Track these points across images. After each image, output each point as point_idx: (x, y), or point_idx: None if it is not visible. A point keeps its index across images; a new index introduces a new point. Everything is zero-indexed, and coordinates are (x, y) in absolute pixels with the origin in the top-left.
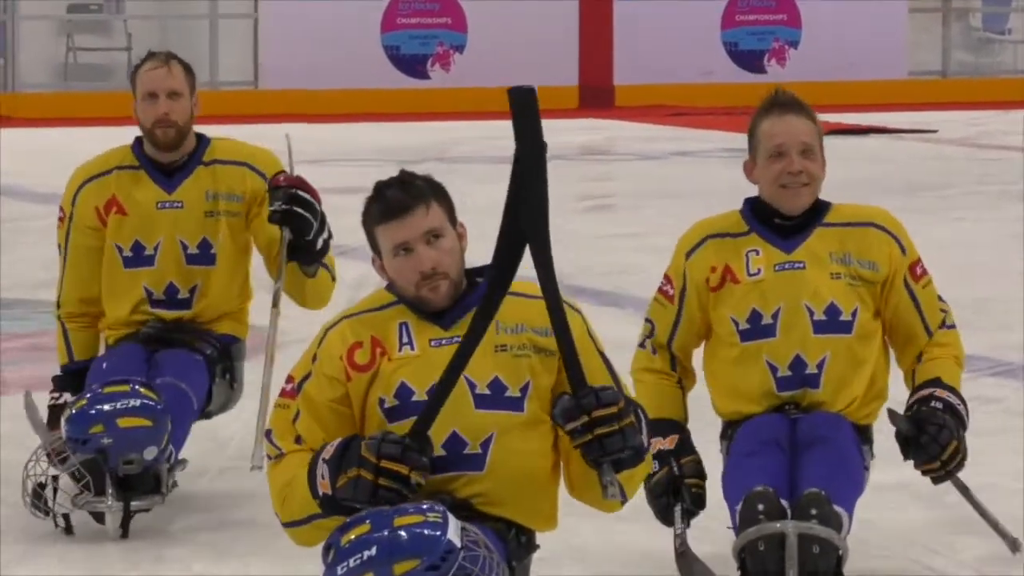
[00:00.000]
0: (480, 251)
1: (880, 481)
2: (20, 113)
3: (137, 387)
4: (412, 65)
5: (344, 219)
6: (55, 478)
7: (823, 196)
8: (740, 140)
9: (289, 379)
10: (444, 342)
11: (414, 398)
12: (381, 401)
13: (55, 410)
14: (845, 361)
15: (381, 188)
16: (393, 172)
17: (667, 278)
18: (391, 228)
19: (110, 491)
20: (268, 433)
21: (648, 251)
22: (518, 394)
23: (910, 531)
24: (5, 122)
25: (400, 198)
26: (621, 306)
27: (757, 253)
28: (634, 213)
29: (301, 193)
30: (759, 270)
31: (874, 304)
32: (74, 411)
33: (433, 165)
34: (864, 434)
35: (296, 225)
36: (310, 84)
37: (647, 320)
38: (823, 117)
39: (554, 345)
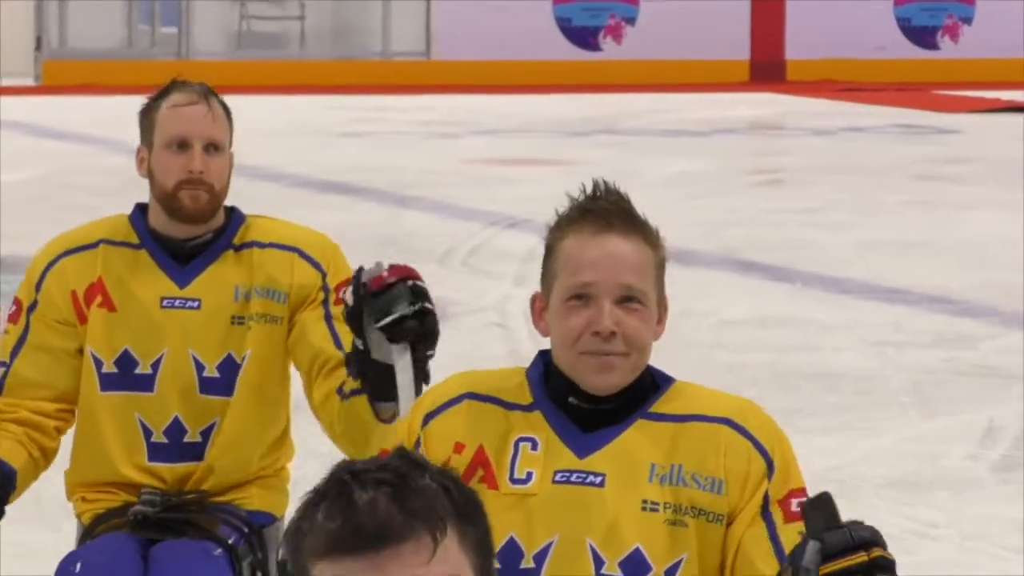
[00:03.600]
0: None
1: None
2: (194, 80)
3: None
4: (583, 37)
5: (515, 190)
6: None
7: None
8: (913, 116)
9: None
10: None
11: None
12: None
13: None
14: None
15: (343, 479)
16: (564, 145)
17: None
18: (345, 569)
19: None
20: None
21: (819, 227)
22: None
23: None
24: None
25: (379, 517)
26: (791, 281)
27: (534, 447)
28: (805, 188)
29: (421, 284)
30: (529, 475)
31: (716, 559)
32: None
33: (603, 137)
34: None
35: (430, 333)
36: (482, 55)
37: None
38: (994, 94)
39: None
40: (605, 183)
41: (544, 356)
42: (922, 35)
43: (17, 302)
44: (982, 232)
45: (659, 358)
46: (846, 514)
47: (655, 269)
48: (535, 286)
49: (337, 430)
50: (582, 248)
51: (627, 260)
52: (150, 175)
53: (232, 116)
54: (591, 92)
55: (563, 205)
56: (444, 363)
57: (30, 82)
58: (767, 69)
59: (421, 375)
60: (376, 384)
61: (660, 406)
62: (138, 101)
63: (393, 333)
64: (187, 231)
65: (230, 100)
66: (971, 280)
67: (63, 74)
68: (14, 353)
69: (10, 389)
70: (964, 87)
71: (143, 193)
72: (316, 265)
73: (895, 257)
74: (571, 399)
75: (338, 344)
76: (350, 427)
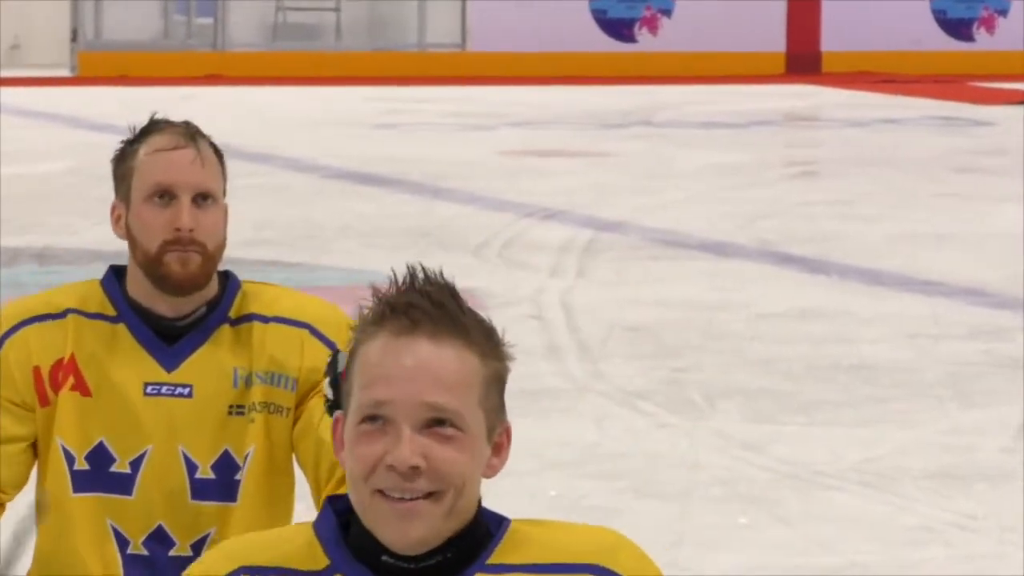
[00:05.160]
0: (686, 217)
1: None
2: (230, 72)
3: None
4: (619, 29)
5: (550, 182)
6: None
7: None
8: (948, 108)
9: None
10: None
11: None
12: None
13: None
14: None
15: None
16: (599, 137)
17: None
18: None
19: None
20: None
21: (854, 219)
22: None
23: None
24: (215, 81)
25: None
26: (827, 273)
27: None
28: (840, 180)
29: None
30: None
31: None
32: None
33: (639, 129)
34: None
35: None
36: (517, 47)
37: None
38: None
39: None
40: (424, 270)
41: (337, 504)
42: (958, 27)
43: None
44: (1019, 224)
45: (694, 353)
46: (884, 506)
47: (483, 385)
48: (570, 278)
49: None
50: (379, 356)
51: (435, 372)
52: (128, 236)
53: (225, 160)
54: (626, 84)
55: (608, 192)
56: None
57: (66, 73)
58: (803, 61)
59: None
60: None
61: (502, 555)
62: (176, 92)
63: None
64: (176, 305)
65: (265, 92)
66: (1008, 272)
67: (99, 65)
68: None
69: None
70: (999, 79)
71: None
72: (330, 344)
73: (931, 249)
74: (384, 557)
75: None
76: None
